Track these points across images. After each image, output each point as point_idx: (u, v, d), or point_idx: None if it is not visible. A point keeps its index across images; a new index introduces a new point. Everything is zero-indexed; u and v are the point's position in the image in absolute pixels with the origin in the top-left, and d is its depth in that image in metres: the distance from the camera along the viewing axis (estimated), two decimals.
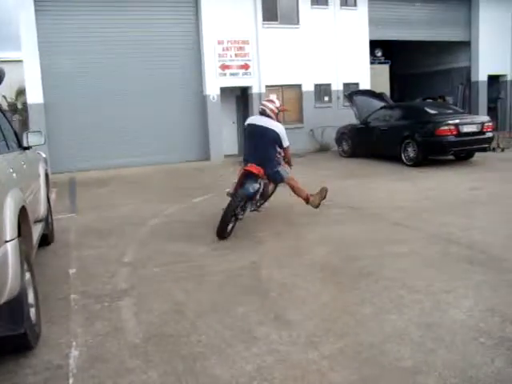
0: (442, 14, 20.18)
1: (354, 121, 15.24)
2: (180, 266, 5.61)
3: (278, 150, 7.28)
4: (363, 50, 18.27)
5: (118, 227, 7.62)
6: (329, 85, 17.78)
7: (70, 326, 4.11)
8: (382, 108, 14.54)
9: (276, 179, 7.31)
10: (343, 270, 5.22)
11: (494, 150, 14.27)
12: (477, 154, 13.24)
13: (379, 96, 15.67)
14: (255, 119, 7.39)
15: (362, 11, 18.07)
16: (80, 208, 9.33)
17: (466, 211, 7.67)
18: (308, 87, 17.43)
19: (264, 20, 16.59)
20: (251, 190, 6.76)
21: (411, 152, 12.62)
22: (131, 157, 15.00)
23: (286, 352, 3.53)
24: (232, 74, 16.26)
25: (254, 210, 7.33)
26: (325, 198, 7.50)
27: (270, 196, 7.69)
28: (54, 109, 14.28)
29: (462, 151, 12.84)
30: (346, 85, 17.87)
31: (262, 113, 7.28)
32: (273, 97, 7.95)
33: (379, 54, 19.63)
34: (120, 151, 14.99)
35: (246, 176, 6.85)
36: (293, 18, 17.10)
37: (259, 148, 7.06)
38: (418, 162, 12.40)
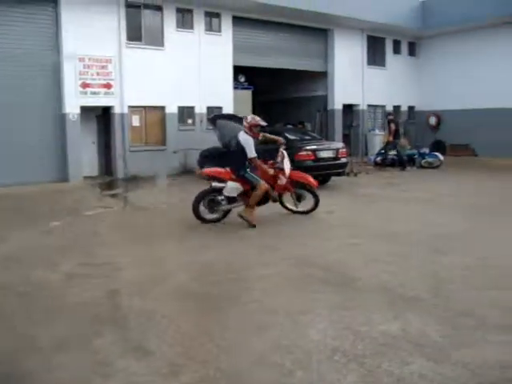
0: (303, 45, 21.25)
1: (217, 144, 15.43)
2: (32, 295, 5.26)
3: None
4: (227, 74, 18.62)
5: None
6: (192, 107, 17.82)
7: None
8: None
9: (248, 183, 8.52)
10: (206, 295, 5.21)
11: (348, 174, 15.16)
12: (332, 179, 13.96)
13: (242, 120, 15.95)
14: (239, 133, 8.81)
15: (226, 37, 18.46)
16: None
17: (322, 234, 8.05)
18: (172, 109, 17.34)
19: (128, 39, 16.31)
20: (213, 186, 8.70)
21: None
22: None
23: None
24: (93, 93, 15.72)
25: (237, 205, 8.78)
26: (249, 224, 8.40)
27: (274, 200, 8.93)
28: None
29: (319, 176, 13.42)
30: (209, 108, 18.06)
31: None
32: (250, 116, 9.01)
33: (242, 79, 20.14)
34: None
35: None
36: (157, 40, 17.02)
37: (233, 156, 8.76)
38: None
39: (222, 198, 8.66)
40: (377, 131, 22.62)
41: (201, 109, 17.97)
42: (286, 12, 18.89)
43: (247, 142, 8.45)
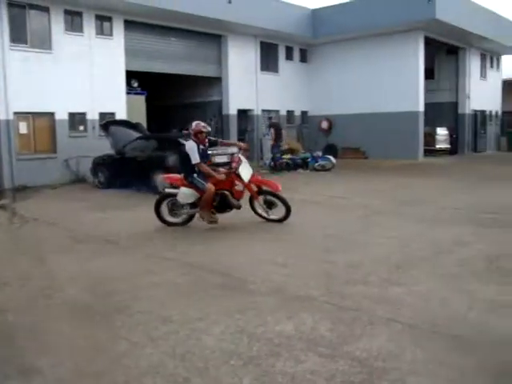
0: (196, 50, 21.25)
1: (110, 151, 15.04)
2: None
3: None
4: (119, 79, 18.18)
5: None
6: (84, 114, 17.23)
7: None
8: (138, 138, 14.60)
9: (196, 188, 8.49)
10: (97, 307, 5.04)
11: None
12: None
13: (135, 126, 15.73)
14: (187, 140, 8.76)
15: (118, 41, 18.02)
16: None
17: (217, 238, 8.06)
18: (62, 115, 16.65)
19: (12, 42, 15.47)
20: (163, 189, 9.19)
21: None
22: None
23: None
24: None
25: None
26: (210, 223, 8.61)
27: (236, 207, 8.75)
28: None
29: None
30: (102, 114, 17.52)
31: None
32: (194, 122, 8.75)
33: (136, 84, 19.75)
34: None
35: None
36: (45, 43, 16.26)
37: (182, 163, 8.71)
38: None
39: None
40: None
41: (93, 115, 17.39)
42: (179, 17, 18.81)
43: (191, 148, 8.44)
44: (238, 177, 8.64)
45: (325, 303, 4.94)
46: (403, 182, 15.44)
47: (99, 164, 15.21)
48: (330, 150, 23.79)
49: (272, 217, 9.00)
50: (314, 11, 24.05)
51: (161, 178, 9.45)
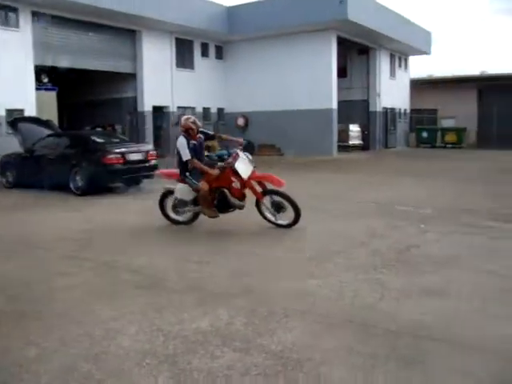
0: (110, 45, 20.82)
1: (19, 149, 14.39)
2: None
3: None
4: (28, 74, 17.44)
5: None
6: None
7: None
8: (48, 136, 14.07)
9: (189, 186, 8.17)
10: (8, 312, 4.81)
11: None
12: (145, 181, 13.76)
13: (46, 123, 15.14)
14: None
15: (25, 33, 17.26)
16: None
17: (131, 237, 7.96)
18: None
19: None
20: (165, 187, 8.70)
21: (80, 181, 12.45)
22: None
23: None
24: None
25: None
26: (210, 216, 8.25)
27: (238, 206, 8.17)
28: None
29: (129, 179, 13.16)
30: (9, 111, 16.74)
31: None
32: (182, 118, 8.40)
33: (46, 80, 19.01)
34: None
35: None
36: None
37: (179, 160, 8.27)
38: (88, 191, 12.28)
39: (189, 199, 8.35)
40: None
41: None
42: (91, 11, 18.34)
43: (181, 145, 8.05)
44: (235, 173, 7.96)
45: (240, 299, 4.97)
46: (318, 177, 15.82)
47: (7, 163, 14.52)
48: (247, 147, 23.89)
49: (280, 221, 8.20)
50: (230, 8, 24.14)
51: (158, 174, 9.12)
